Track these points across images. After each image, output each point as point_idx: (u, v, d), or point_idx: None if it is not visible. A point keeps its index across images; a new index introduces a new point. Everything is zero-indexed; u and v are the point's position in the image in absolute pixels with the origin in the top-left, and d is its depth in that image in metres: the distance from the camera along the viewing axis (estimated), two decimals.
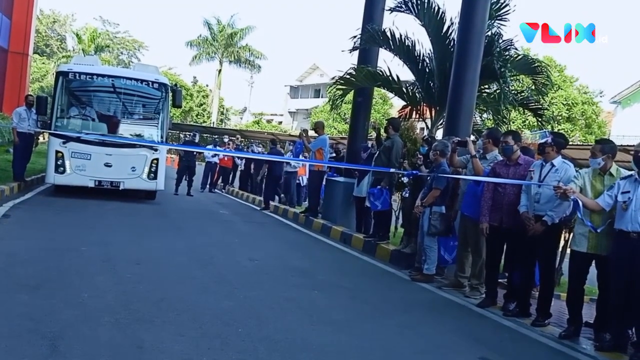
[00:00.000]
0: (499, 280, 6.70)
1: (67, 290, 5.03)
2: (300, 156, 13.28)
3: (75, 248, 6.83)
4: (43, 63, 47.57)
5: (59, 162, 10.97)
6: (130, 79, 11.98)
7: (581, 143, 25.39)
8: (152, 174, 11.60)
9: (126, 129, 12.06)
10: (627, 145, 7.10)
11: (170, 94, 12.19)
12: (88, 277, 5.56)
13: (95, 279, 5.50)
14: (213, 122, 52.08)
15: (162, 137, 12.13)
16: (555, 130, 26.54)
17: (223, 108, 60.06)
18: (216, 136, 38.06)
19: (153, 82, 12.01)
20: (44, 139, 21.88)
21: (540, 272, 6.08)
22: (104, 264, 6.19)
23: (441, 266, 7.48)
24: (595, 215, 5.15)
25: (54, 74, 12.32)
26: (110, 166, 11.19)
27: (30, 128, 11.76)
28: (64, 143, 10.98)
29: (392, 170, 8.50)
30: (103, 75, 11.96)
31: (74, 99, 11.84)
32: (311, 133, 13.97)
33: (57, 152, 10.98)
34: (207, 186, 18.02)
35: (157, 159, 11.65)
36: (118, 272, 5.89)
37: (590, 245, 5.20)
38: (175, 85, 12.65)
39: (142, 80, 11.97)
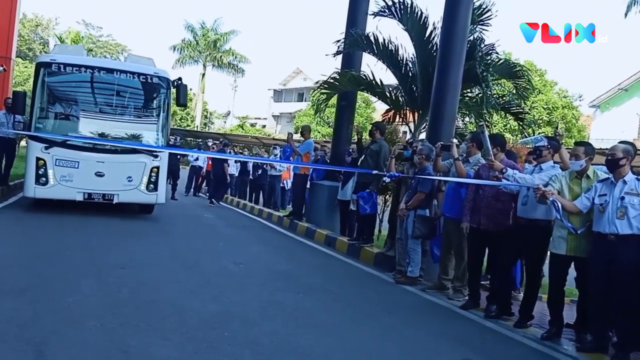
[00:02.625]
0: (482, 283, 6.78)
1: (52, 295, 5.02)
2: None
3: (60, 252, 6.80)
4: (25, 67, 46.95)
5: (40, 172, 9.30)
6: (126, 72, 10.23)
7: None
8: (152, 185, 10.01)
9: (121, 131, 10.37)
10: (606, 149, 7.22)
11: (173, 90, 10.72)
12: (73, 281, 5.54)
13: (80, 284, 5.47)
14: (197, 126, 51.88)
15: (163, 141, 10.47)
16: (537, 134, 26.90)
17: (207, 112, 59.85)
18: (200, 140, 37.87)
19: (152, 76, 10.32)
20: (26, 142, 21.51)
21: (526, 275, 6.16)
22: (89, 268, 6.16)
23: (434, 263, 7.49)
24: (573, 218, 5.23)
25: (35, 64, 10.17)
26: (102, 176, 9.59)
27: (10, 132, 11.39)
28: (46, 148, 9.34)
29: (374, 172, 8.52)
30: (93, 68, 10.09)
31: (57, 95, 10.07)
32: (296, 136, 14.00)
33: (37, 159, 9.31)
34: (192, 190, 17.96)
35: (157, 167, 10.05)
36: (103, 276, 5.88)
37: (569, 247, 5.28)
38: (179, 80, 10.65)
39: (139, 74, 10.24)
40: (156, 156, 10.03)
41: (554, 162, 5.87)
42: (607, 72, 74.05)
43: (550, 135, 7.28)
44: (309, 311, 5.59)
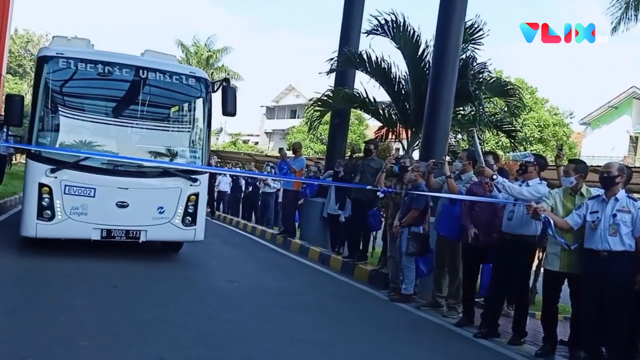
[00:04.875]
0: (476, 300, 6.78)
1: (44, 313, 4.97)
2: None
3: (51, 271, 6.74)
4: (15, 83, 46.97)
5: (43, 202, 7.03)
6: (155, 70, 7.77)
7: (552, 163, 25.88)
8: (189, 217, 7.79)
9: (149, 148, 8.04)
10: (597, 166, 7.31)
11: (208, 94, 8.15)
12: (65, 300, 5.49)
13: (72, 303, 5.43)
14: None
15: (204, 159, 8.17)
16: (528, 151, 27.12)
17: None
18: None
19: (188, 76, 8.03)
20: (16, 160, 21.29)
21: (515, 291, 6.16)
22: (81, 287, 6.11)
23: (419, 278, 7.47)
24: (566, 234, 5.26)
25: (36, 59, 7.80)
26: (125, 206, 7.36)
27: (1, 148, 11.02)
28: (52, 171, 7.06)
29: (368, 187, 8.49)
30: (112, 65, 7.59)
31: (65, 100, 7.68)
32: (288, 153, 14.02)
33: (41, 185, 7.03)
34: None
35: (196, 194, 7.84)
36: (95, 295, 5.83)
37: (563, 264, 5.31)
38: (226, 82, 8.32)
39: (172, 73, 7.90)
40: (195, 180, 7.81)
41: (541, 179, 5.88)
42: (598, 90, 74.81)
43: (538, 153, 7.35)
44: (304, 329, 5.57)
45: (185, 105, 8.55)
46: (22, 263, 7.11)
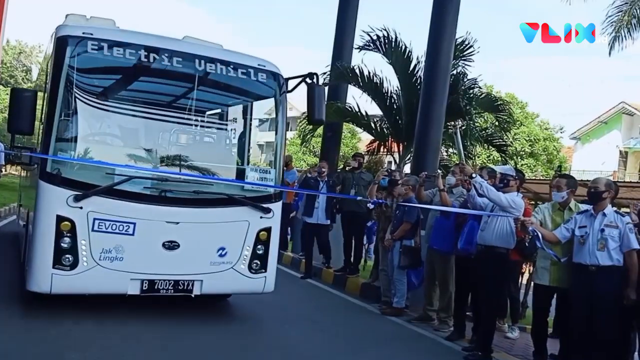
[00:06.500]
0: (467, 313, 6.79)
1: (33, 327, 4.96)
2: None
3: None
4: (7, 94, 46.87)
5: (63, 243, 4.97)
6: (215, 60, 5.74)
7: (543, 178, 26.10)
8: (258, 261, 5.79)
9: (208, 167, 5.97)
10: (587, 180, 7.39)
11: (283, 94, 6.30)
12: (53, 313, 5.43)
13: (61, 315, 5.38)
14: None
15: (276, 179, 6.12)
16: (519, 165, 27.42)
17: None
18: None
19: (257, 70, 6.00)
20: (6, 171, 21.08)
21: (483, 303, 5.97)
22: (70, 299, 6.06)
23: (411, 290, 7.46)
24: (556, 247, 5.31)
25: (54, 40, 5.35)
26: (175, 247, 5.34)
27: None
28: (76, 199, 4.97)
29: (359, 198, 8.52)
30: (159, 52, 5.52)
31: (96, 98, 5.47)
32: None
33: (60, 219, 4.98)
34: None
35: (268, 230, 5.86)
36: (85, 308, 5.78)
37: (552, 278, 5.35)
38: (312, 77, 6.20)
39: (236, 65, 5.89)
40: (267, 210, 5.79)
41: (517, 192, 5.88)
42: (588, 104, 75.44)
43: (519, 167, 7.41)
44: (295, 343, 5.57)
45: (255, 108, 6.86)
46: (9, 277, 7.06)
